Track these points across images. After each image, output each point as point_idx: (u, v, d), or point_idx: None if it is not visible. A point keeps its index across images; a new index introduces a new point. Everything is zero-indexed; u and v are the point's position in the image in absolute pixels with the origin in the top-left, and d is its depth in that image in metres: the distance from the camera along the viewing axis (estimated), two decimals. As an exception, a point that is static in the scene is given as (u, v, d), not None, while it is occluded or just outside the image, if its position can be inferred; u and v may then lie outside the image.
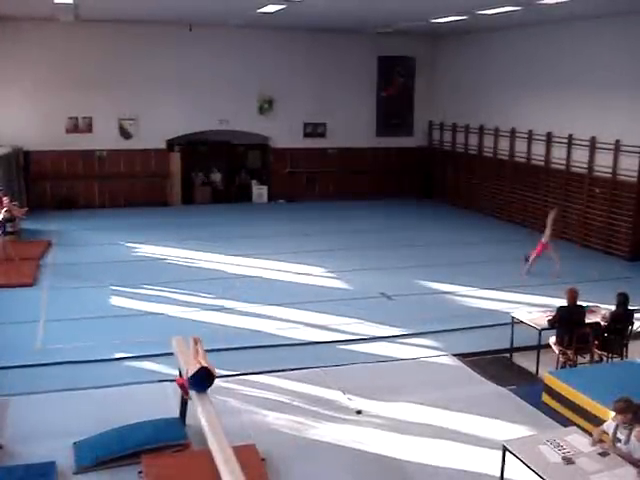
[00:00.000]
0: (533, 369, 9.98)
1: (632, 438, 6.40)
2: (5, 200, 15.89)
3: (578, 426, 7.13)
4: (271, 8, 16.46)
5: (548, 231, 14.56)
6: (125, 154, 22.27)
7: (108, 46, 21.24)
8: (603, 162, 17.15)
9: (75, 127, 21.72)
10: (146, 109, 21.99)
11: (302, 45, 23.02)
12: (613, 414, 6.61)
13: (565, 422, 8.11)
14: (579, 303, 9.81)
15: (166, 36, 21.54)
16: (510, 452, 6.57)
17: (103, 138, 21.90)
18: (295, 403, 8.85)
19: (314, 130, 24.04)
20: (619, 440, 6.53)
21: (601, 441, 6.60)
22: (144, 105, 21.97)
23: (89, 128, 21.84)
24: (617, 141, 16.62)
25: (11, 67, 20.56)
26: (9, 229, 15.54)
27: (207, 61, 22.14)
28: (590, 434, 6.95)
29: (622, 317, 9.76)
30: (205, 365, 6.77)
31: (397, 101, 24.76)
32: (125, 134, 22.22)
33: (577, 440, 6.64)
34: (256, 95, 23.08)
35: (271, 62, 22.75)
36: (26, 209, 17.01)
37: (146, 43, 21.55)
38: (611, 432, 6.64)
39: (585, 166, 17.73)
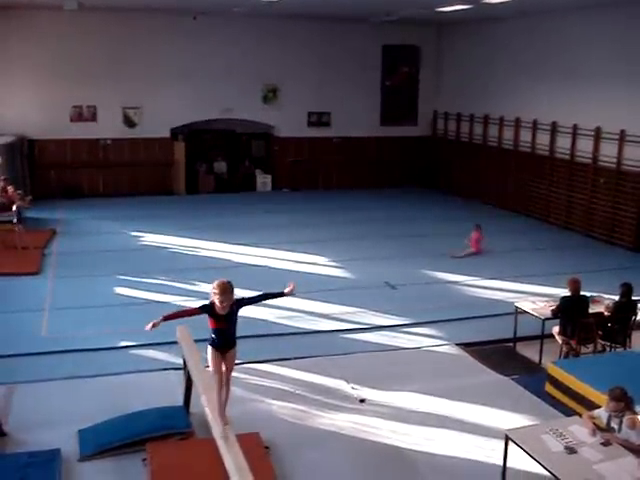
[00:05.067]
0: (536, 359, 10.00)
1: (623, 426, 6.52)
2: (10, 189, 15.92)
3: (581, 416, 7.14)
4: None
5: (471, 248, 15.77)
6: (129, 143, 22.28)
7: (112, 35, 21.21)
8: (608, 152, 17.10)
9: (79, 116, 21.73)
10: (150, 98, 21.97)
11: (307, 34, 22.95)
12: (607, 400, 6.67)
13: (568, 412, 8.13)
14: (582, 293, 9.82)
15: (170, 25, 21.49)
16: (513, 441, 6.60)
17: (107, 127, 21.91)
18: (299, 392, 8.89)
19: (318, 119, 24.00)
20: (613, 429, 6.62)
21: (599, 428, 6.64)
22: (148, 94, 21.95)
23: (93, 117, 21.86)
24: (622, 131, 16.56)
25: (15, 56, 20.53)
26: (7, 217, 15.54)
27: (211, 50, 22.09)
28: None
29: (626, 307, 9.77)
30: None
31: (402, 90, 24.69)
32: (129, 123, 22.22)
33: (580, 430, 6.67)
34: (260, 84, 23.06)
35: (275, 51, 22.69)
36: (30, 198, 17.02)
37: (150, 32, 21.51)
38: (604, 422, 6.72)
39: (590, 156, 17.68)
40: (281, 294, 6.51)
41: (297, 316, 11.60)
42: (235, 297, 6.22)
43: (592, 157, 17.60)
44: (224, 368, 6.35)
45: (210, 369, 6.44)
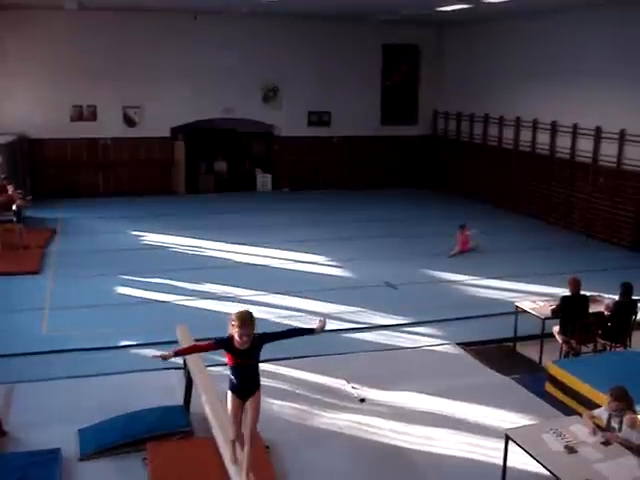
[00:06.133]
0: (536, 358, 10.00)
1: (623, 426, 6.51)
2: (10, 188, 15.91)
3: (581, 415, 7.14)
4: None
5: (472, 242, 15.91)
6: (129, 142, 22.27)
7: (112, 34, 21.19)
8: (608, 152, 17.10)
9: (80, 115, 21.73)
10: (150, 97, 21.97)
11: (307, 33, 22.94)
12: (608, 400, 6.67)
13: (568, 411, 8.12)
14: (582, 293, 9.82)
15: (171, 24, 21.46)
16: (513, 441, 6.59)
17: (107, 126, 21.91)
18: (299, 391, 8.89)
19: (319, 119, 23.99)
20: (614, 429, 6.61)
21: (600, 428, 6.64)
22: (148, 93, 21.94)
23: (93, 116, 21.85)
24: (622, 130, 16.56)
25: (16, 56, 20.52)
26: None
27: (212, 49, 22.07)
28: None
29: (626, 307, 9.76)
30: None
31: (402, 90, 24.69)
32: (129, 122, 22.22)
33: (580, 429, 6.66)
34: (261, 83, 23.05)
35: (276, 50, 22.68)
36: (30, 197, 17.02)
37: (151, 31, 21.49)
38: (605, 421, 6.72)
39: (590, 155, 17.67)
40: (311, 331, 5.90)
41: (297, 315, 11.58)
42: (257, 332, 5.55)
43: (592, 157, 17.60)
44: (246, 418, 5.71)
45: (228, 413, 5.84)
